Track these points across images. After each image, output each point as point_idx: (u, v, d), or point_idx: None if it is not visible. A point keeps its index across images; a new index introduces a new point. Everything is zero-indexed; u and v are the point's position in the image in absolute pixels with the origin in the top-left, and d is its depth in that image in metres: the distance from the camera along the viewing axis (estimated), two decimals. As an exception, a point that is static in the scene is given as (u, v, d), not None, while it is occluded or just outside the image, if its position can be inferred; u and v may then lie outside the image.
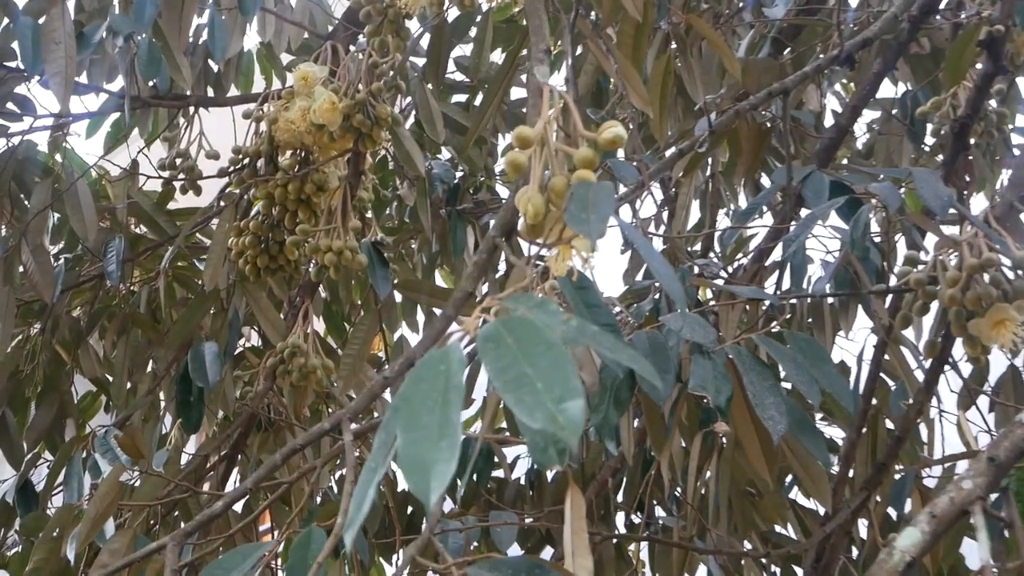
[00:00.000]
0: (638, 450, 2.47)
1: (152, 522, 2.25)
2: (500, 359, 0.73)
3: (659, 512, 2.67)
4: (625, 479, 2.64)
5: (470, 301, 1.17)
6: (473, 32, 2.74)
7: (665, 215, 3.24)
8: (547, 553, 2.67)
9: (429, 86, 2.56)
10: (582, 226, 0.91)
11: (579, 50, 2.66)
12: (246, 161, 2.09)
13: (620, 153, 2.71)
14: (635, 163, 2.07)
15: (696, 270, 2.03)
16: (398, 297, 3.18)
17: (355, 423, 1.22)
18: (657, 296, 1.86)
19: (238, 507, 2.34)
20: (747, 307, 2.11)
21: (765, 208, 2.12)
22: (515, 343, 0.74)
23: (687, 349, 1.57)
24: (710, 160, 3.11)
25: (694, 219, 3.23)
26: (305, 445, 1.19)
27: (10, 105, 2.47)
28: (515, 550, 2.39)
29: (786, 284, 1.85)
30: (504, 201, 3.14)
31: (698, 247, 3.12)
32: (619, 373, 1.39)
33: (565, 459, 0.89)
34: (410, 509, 2.75)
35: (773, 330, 1.60)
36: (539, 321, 0.77)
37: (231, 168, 2.13)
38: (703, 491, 2.11)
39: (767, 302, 1.94)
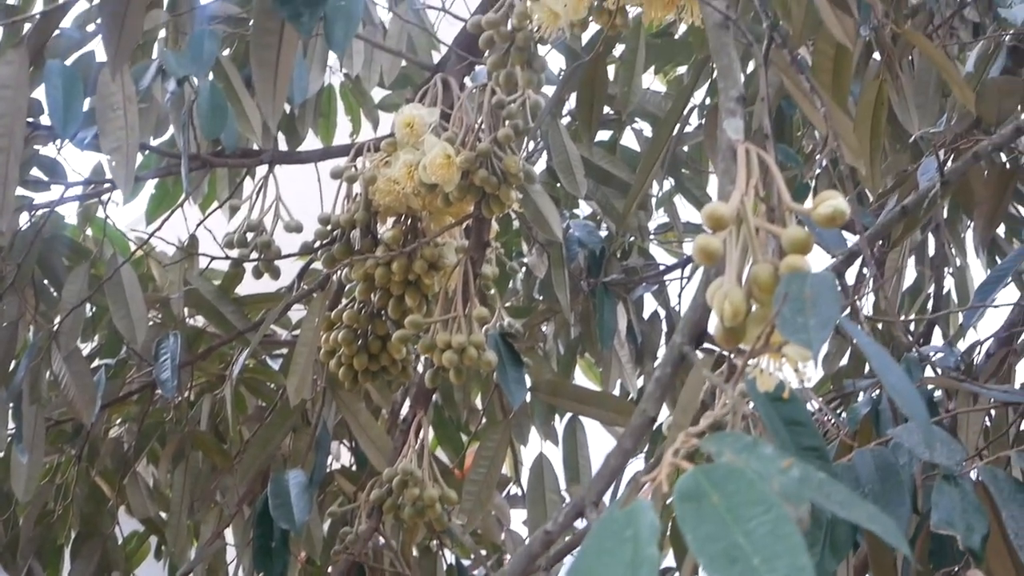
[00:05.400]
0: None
1: None
2: (703, 523, 0.73)
3: None
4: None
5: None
6: (619, 51, 2.72)
7: (871, 281, 3.20)
8: None
9: (562, 121, 2.53)
10: (798, 333, 0.89)
11: (750, 67, 2.65)
12: (337, 234, 2.11)
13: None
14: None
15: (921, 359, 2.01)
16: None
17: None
18: (876, 394, 1.84)
19: None
20: (992, 410, 2.07)
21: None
22: (722, 502, 0.74)
23: (920, 469, 1.55)
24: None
25: (908, 280, 3.20)
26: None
27: (36, 171, 2.50)
28: None
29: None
30: (662, 266, 3.14)
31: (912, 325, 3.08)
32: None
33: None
34: None
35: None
36: (751, 471, 0.77)
37: (317, 243, 2.14)
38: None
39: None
